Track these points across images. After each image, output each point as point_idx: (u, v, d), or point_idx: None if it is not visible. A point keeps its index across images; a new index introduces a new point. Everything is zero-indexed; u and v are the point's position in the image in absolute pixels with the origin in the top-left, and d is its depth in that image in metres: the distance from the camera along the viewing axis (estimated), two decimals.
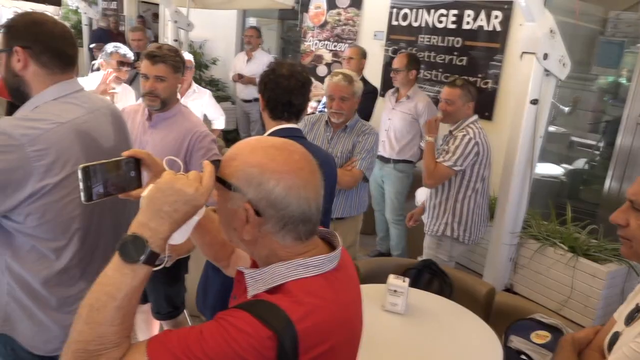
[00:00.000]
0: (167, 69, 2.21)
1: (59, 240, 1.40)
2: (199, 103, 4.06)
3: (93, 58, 8.86)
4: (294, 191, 0.90)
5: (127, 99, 3.61)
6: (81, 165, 0.97)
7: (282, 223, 0.91)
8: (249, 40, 5.94)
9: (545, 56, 2.83)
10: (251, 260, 1.07)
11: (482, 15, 4.29)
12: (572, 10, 3.67)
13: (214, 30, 7.84)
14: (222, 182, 0.93)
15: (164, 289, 2.44)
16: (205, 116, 4.26)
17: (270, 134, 1.92)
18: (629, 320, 1.38)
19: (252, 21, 7.90)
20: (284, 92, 1.90)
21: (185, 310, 2.64)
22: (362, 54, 4.29)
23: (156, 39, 9.19)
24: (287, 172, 0.90)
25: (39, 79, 1.42)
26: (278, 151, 0.93)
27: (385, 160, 4.15)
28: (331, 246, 1.02)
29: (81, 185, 0.97)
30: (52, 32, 1.42)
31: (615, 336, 1.41)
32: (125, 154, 1.04)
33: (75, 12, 11.44)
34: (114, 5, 11.47)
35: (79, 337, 0.84)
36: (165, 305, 2.47)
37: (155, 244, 0.87)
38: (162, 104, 2.24)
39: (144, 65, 2.22)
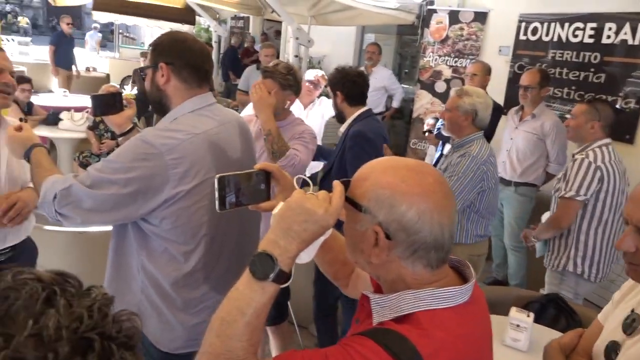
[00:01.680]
0: (274, 84, 2.34)
1: (188, 244, 1.48)
2: (319, 111, 4.15)
3: (226, 73, 9.51)
4: (427, 216, 0.85)
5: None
6: (217, 175, 1.00)
7: (412, 249, 0.86)
8: (370, 56, 5.97)
9: None
10: (373, 283, 1.03)
11: (627, 28, 3.89)
12: None
13: (333, 46, 8.02)
14: (352, 202, 0.90)
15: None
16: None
17: (356, 117, 2.67)
18: (629, 329, 1.29)
19: (370, 37, 7.96)
20: (360, 87, 2.69)
21: (289, 319, 2.68)
22: (487, 70, 4.11)
23: (278, 55, 9.62)
24: (420, 195, 0.86)
25: (179, 92, 1.52)
26: (411, 172, 0.88)
27: (505, 182, 3.90)
28: (461, 276, 0.95)
29: (216, 193, 1.00)
30: (192, 49, 1.52)
31: (615, 347, 1.31)
32: (257, 166, 1.06)
33: (207, 30, 12.38)
34: (240, 23, 12.23)
35: (209, 349, 0.86)
36: (273, 311, 2.52)
37: (284, 263, 0.87)
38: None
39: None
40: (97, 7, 9.19)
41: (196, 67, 1.52)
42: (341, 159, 2.62)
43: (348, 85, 2.67)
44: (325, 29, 7.19)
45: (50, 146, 5.24)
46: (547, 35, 4.59)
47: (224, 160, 1.52)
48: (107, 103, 1.73)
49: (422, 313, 0.85)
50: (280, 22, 9.89)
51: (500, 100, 4.61)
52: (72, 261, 2.92)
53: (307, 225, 0.88)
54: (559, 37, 4.47)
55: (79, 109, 5.46)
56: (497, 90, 4.72)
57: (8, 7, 28.97)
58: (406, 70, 8.13)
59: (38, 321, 0.51)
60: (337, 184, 0.92)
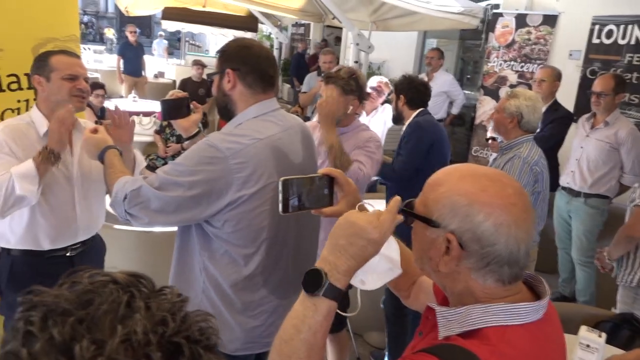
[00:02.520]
0: (335, 89, 2.32)
1: (248, 247, 1.50)
2: (381, 118, 4.13)
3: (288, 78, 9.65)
4: (504, 228, 0.81)
5: None
6: (282, 178, 1.01)
7: (485, 261, 0.82)
8: (430, 61, 5.87)
9: None
10: (438, 296, 1.00)
11: None
12: None
13: (393, 52, 7.96)
14: (420, 218, 0.88)
15: None
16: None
17: (415, 116, 2.90)
18: None
19: (432, 42, 7.84)
20: (422, 95, 2.96)
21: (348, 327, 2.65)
22: (556, 76, 3.92)
23: (338, 61, 9.66)
24: (498, 206, 0.81)
25: (244, 98, 1.55)
26: (490, 182, 0.84)
27: (574, 193, 3.70)
28: (534, 292, 0.90)
29: (280, 196, 1.01)
30: (258, 55, 1.55)
31: None
32: (321, 171, 1.07)
33: (268, 37, 12.63)
34: (301, 30, 12.39)
35: None
36: None
37: (334, 278, 0.86)
38: None
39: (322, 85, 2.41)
40: (165, 16, 9.60)
41: (261, 73, 1.55)
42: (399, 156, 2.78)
43: (412, 91, 2.93)
44: (385, 35, 7.14)
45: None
46: (623, 38, 4.35)
47: (286, 165, 1.53)
48: (175, 108, 1.80)
49: (492, 329, 0.81)
50: (340, 29, 9.93)
51: (570, 107, 4.40)
52: (137, 259, 3.04)
53: (354, 239, 0.87)
54: (637, 39, 4.21)
55: (147, 114, 5.71)
56: (567, 96, 4.50)
57: (85, 18, 30.89)
58: (468, 76, 7.93)
59: (125, 325, 0.50)
60: (395, 200, 0.90)
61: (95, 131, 1.72)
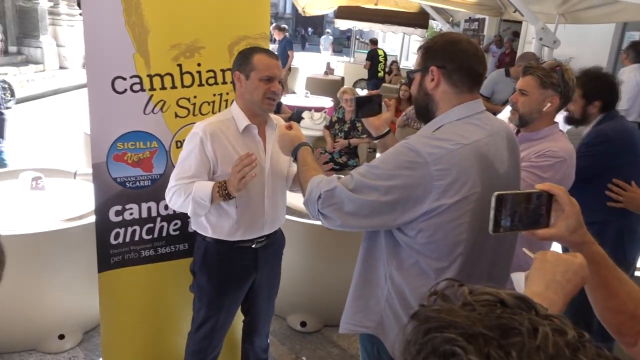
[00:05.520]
0: (533, 82, 2.02)
1: (442, 261, 1.38)
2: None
3: None
4: None
5: None
6: (496, 193, 0.90)
7: None
8: (628, 56, 5.11)
9: None
10: None
11: None
12: None
13: (582, 47, 7.13)
14: None
15: None
16: None
17: (601, 120, 2.50)
18: None
19: (633, 35, 6.84)
20: (612, 91, 2.52)
21: None
22: None
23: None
24: None
25: (447, 97, 1.43)
26: None
27: None
28: None
29: (492, 213, 0.91)
30: (467, 51, 1.41)
31: None
32: (540, 187, 0.93)
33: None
34: (474, 25, 11.82)
35: None
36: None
37: None
38: (520, 119, 2.06)
39: None
40: (339, 15, 9.91)
41: (469, 70, 1.41)
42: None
43: (600, 90, 2.49)
44: (575, 29, 6.41)
45: None
46: None
47: (490, 174, 1.38)
48: (367, 105, 1.75)
49: None
50: (519, 23, 9.23)
51: None
52: (307, 253, 3.12)
53: (568, 275, 0.88)
54: None
55: (318, 109, 5.92)
56: None
57: None
58: None
59: None
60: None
61: (290, 128, 1.74)
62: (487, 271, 1.46)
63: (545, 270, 0.88)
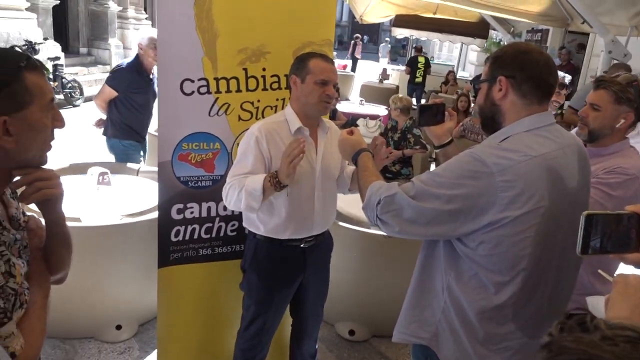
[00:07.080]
0: (607, 96, 1.92)
1: (503, 275, 1.34)
2: None
3: None
4: None
5: None
6: (586, 213, 0.87)
7: None
8: None
9: None
10: None
11: None
12: None
13: None
14: None
15: None
16: None
17: None
18: None
19: None
20: None
21: None
22: None
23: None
24: None
25: (515, 108, 1.40)
26: None
27: None
28: None
29: (581, 233, 0.88)
30: (537, 61, 1.38)
31: None
32: (630, 208, 0.88)
33: (498, 44, 12.01)
34: (537, 36, 11.47)
35: None
36: None
37: None
38: (589, 134, 1.97)
39: None
40: (396, 24, 9.86)
41: (539, 81, 1.38)
42: None
43: None
44: None
45: None
46: None
47: (559, 189, 1.33)
48: (429, 114, 1.73)
49: None
50: (585, 35, 8.87)
51: None
52: (354, 258, 3.10)
53: None
54: None
55: (373, 117, 5.90)
56: None
57: None
58: None
59: None
60: None
61: (351, 133, 1.76)
62: (551, 289, 1.41)
63: (629, 295, 0.84)
